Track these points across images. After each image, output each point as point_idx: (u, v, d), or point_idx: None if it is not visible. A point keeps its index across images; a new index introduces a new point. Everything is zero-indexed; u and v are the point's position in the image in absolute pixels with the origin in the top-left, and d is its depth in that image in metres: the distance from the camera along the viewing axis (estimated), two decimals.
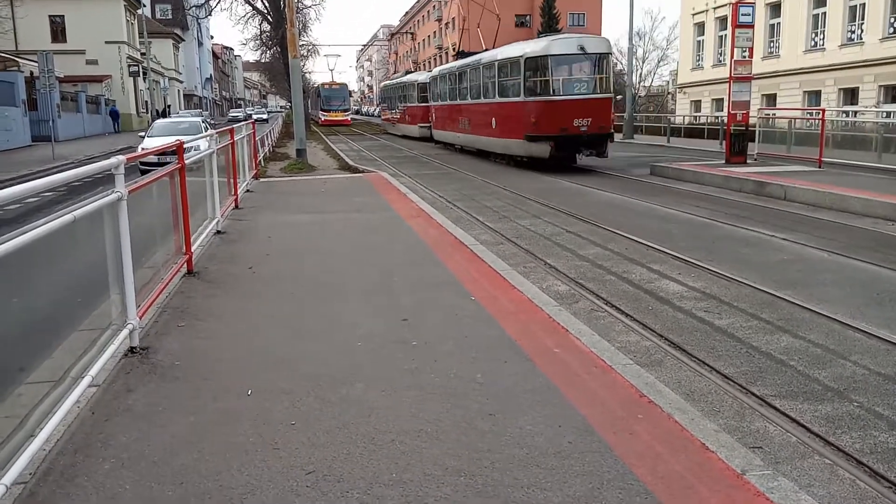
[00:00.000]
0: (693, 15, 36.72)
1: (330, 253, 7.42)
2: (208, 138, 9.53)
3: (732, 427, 3.71)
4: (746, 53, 15.81)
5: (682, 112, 38.05)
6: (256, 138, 16.99)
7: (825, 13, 27.60)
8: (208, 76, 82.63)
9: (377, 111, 69.15)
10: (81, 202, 3.68)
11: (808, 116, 21.15)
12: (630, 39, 31.88)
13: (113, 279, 4.24)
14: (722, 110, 28.58)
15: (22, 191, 2.83)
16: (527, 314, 5.08)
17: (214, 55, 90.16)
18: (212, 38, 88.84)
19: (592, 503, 2.68)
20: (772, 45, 30.99)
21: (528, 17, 63.03)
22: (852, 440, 3.59)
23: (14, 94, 28.86)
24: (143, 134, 19.63)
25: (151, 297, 4.98)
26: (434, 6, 73.93)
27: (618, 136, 32.04)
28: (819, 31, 28.30)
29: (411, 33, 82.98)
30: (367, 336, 4.63)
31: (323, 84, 58.69)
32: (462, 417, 3.41)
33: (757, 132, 17.43)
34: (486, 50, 22.52)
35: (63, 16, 42.56)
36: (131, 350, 4.28)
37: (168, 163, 6.06)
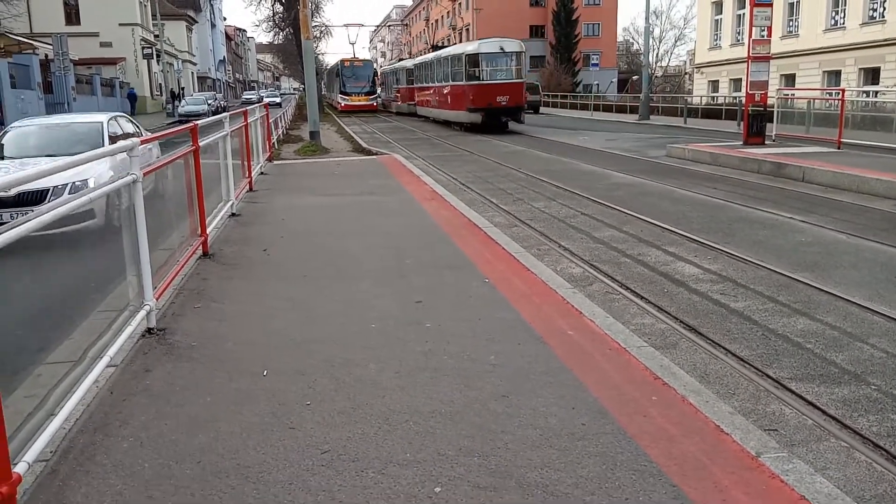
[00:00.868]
0: None
1: (344, 235, 7.43)
2: (115, 159, 6.12)
3: (748, 410, 3.70)
4: (765, 33, 15.56)
5: (699, 92, 37.61)
6: (270, 121, 16.99)
7: None
8: (221, 58, 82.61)
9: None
10: (98, 184, 3.70)
11: (828, 97, 20.83)
12: (647, 18, 31.47)
13: (129, 261, 4.27)
14: (740, 90, 28.20)
15: (38, 173, 2.85)
16: (541, 296, 5.07)
17: (227, 37, 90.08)
18: (224, 19, 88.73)
19: (605, 484, 2.69)
20: (791, 24, 30.48)
21: None
22: (869, 423, 3.57)
23: (30, 76, 29.00)
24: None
25: (168, 278, 5.02)
26: None
27: (633, 117, 31.82)
28: (839, 9, 27.80)
29: (425, 19, 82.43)
30: (381, 318, 4.64)
31: (343, 61, 46.32)
32: (475, 399, 3.42)
33: (775, 113, 17.20)
34: (446, 47, 36.16)
35: None
36: (148, 331, 4.33)
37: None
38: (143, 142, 4.20)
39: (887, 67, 25.49)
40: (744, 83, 16.89)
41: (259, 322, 4.65)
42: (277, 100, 56.08)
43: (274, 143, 17.86)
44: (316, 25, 50.59)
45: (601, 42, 62.10)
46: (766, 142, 16.08)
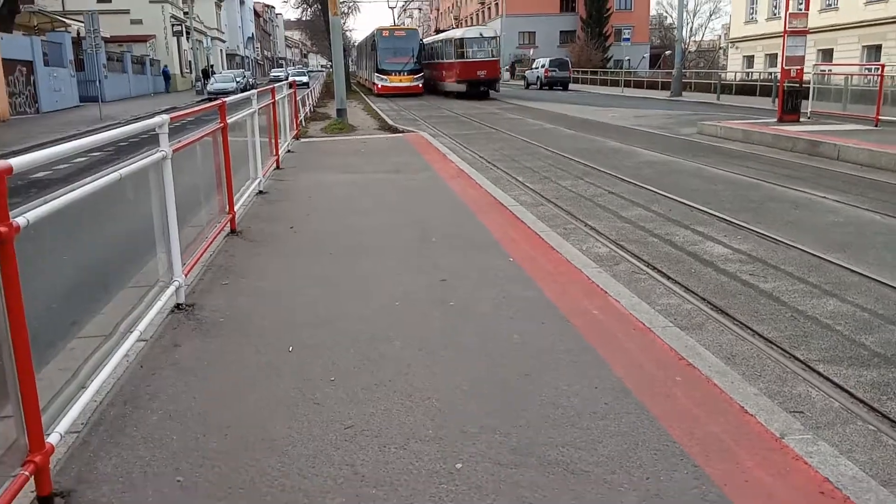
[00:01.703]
0: None
1: (369, 213, 7.46)
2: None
3: (773, 391, 3.66)
4: (803, 6, 15.16)
5: (733, 68, 36.83)
6: (297, 98, 17.03)
7: None
8: (250, 35, 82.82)
9: None
10: (128, 161, 3.76)
11: (867, 73, 20.23)
12: None
13: (159, 237, 4.34)
14: (775, 66, 27.53)
15: (69, 149, 2.89)
16: (566, 276, 5.05)
17: (256, 14, 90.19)
18: None
19: (626, 463, 2.69)
20: None
21: None
22: None
23: (62, 54, 29.41)
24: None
25: (196, 255, 5.09)
26: None
27: (665, 94, 31.26)
28: None
29: None
30: (406, 295, 4.67)
31: (380, 30, 38.01)
32: (498, 376, 3.43)
33: (811, 89, 16.77)
34: (445, 31, 45.38)
35: None
36: (177, 306, 4.40)
37: None
38: (172, 118, 4.24)
39: None
40: (779, 58, 16.48)
41: (285, 298, 4.70)
42: (305, 78, 45.81)
43: (301, 121, 17.92)
44: (344, 1, 50.45)
45: (633, 16, 60.90)
46: (802, 119, 15.71)
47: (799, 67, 15.27)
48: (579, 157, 12.30)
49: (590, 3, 57.70)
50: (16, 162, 2.27)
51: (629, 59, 52.38)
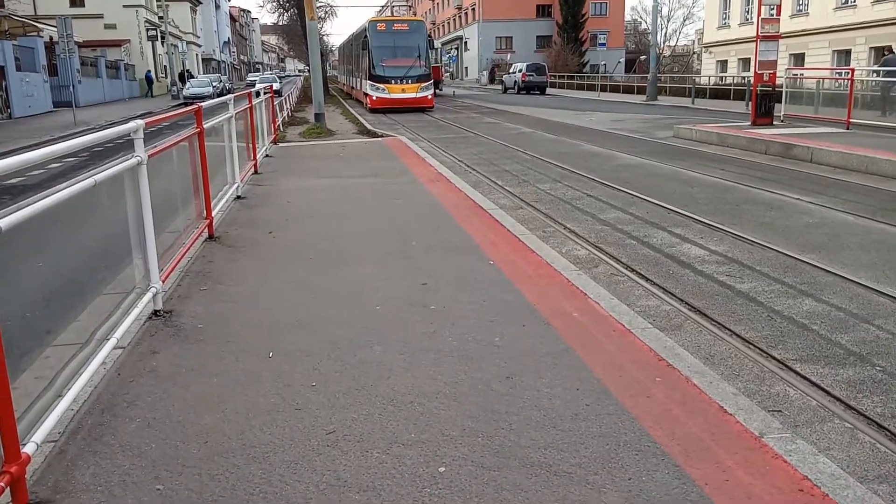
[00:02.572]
0: None
1: (349, 217, 7.43)
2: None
3: (752, 391, 3.70)
4: (774, 11, 15.39)
5: (707, 72, 37.31)
6: (274, 103, 16.94)
7: None
8: (226, 40, 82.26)
9: None
10: (103, 167, 3.71)
11: (837, 77, 20.60)
12: None
13: (135, 243, 4.29)
14: (748, 70, 27.95)
15: (43, 155, 2.85)
16: (546, 278, 5.07)
17: (232, 18, 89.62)
18: (229, 0, 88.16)
19: (609, 464, 2.70)
20: (801, 2, 30.13)
21: None
22: (873, 404, 3.57)
23: (35, 59, 28.96)
24: None
25: (174, 261, 5.04)
26: None
27: (640, 98, 31.57)
28: None
29: None
30: (386, 300, 4.65)
31: (375, 23, 28.53)
32: (480, 380, 3.43)
33: (784, 93, 17.05)
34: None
35: None
36: (155, 313, 4.35)
37: None
38: (148, 123, 4.20)
39: None
40: (752, 62, 16.73)
41: (265, 304, 4.67)
42: (276, 85, 38.06)
43: (279, 126, 17.82)
44: (321, 6, 50.22)
45: (609, 21, 61.52)
46: (775, 122, 15.95)
47: (772, 71, 15.51)
48: (558, 161, 12.37)
49: (565, 8, 58.18)
50: None
51: (605, 64, 52.89)
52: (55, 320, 3.73)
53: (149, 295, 4.23)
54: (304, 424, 3.04)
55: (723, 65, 36.61)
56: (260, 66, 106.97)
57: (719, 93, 28.97)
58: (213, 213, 6.59)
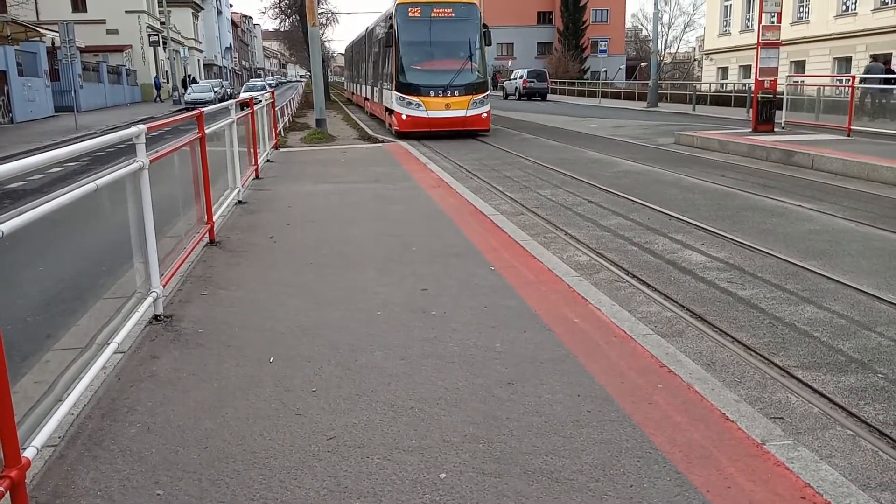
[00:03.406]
0: None
1: (350, 222, 7.43)
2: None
3: (753, 398, 3.69)
4: (775, 19, 15.43)
5: (708, 79, 37.37)
6: (276, 108, 16.98)
7: None
8: (228, 45, 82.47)
9: None
10: (104, 171, 3.71)
11: (838, 84, 20.63)
12: (655, 4, 31.23)
13: (136, 248, 4.29)
14: (749, 77, 28.00)
15: (45, 160, 2.85)
16: (547, 284, 5.07)
17: (234, 24, 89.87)
18: (231, 6, 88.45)
19: (610, 471, 2.69)
20: (801, 10, 30.19)
21: None
22: (875, 411, 3.55)
23: (37, 64, 29.05)
24: None
25: (174, 265, 5.04)
26: None
27: (641, 104, 31.62)
28: None
29: None
30: (387, 305, 4.65)
31: (407, 6, 18.40)
32: (481, 386, 3.42)
33: (785, 100, 17.06)
34: None
35: None
36: (156, 318, 4.35)
37: None
38: (149, 129, 4.20)
39: None
40: (753, 70, 16.75)
41: (266, 309, 4.66)
42: (266, 94, 15.84)
43: (280, 131, 17.85)
44: (322, 12, 50.34)
45: (610, 28, 61.62)
46: (776, 129, 15.96)
47: (772, 79, 15.53)
48: (559, 167, 12.37)
49: (566, 15, 58.33)
50: None
51: (606, 71, 52.95)
52: (56, 324, 3.72)
53: (149, 299, 4.23)
54: (305, 430, 3.03)
55: (724, 72, 36.68)
56: (261, 72, 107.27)
57: (720, 100, 29.01)
58: (214, 218, 6.59)
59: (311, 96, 24.23)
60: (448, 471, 2.71)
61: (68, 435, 2.99)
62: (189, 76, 52.56)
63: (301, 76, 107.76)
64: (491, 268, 5.49)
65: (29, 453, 2.47)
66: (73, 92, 25.56)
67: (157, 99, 43.41)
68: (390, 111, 19.31)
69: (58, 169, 12.39)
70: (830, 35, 28.07)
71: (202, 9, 64.64)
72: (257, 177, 10.60)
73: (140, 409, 3.24)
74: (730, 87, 32.01)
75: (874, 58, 19.10)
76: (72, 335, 3.91)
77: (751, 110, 18.20)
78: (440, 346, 3.93)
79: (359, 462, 2.78)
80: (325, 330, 4.23)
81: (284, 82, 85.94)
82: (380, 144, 16.14)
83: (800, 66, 29.63)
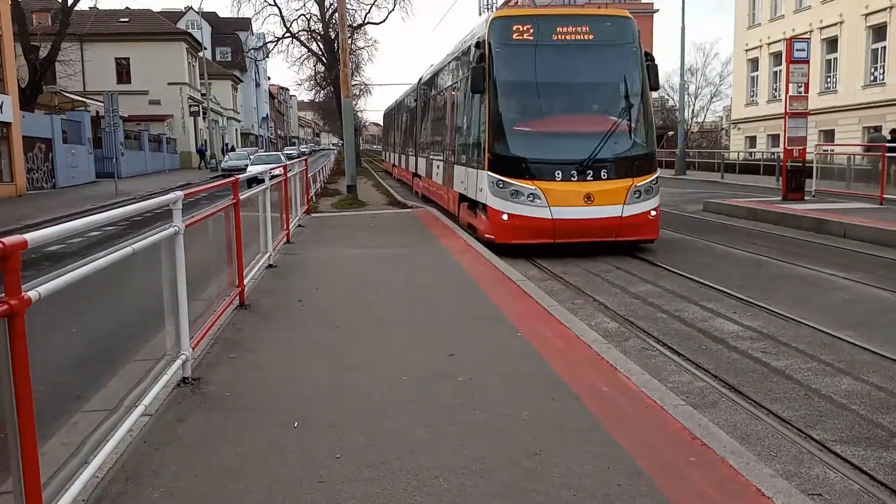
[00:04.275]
0: (746, 51, 36.35)
1: (378, 287, 7.48)
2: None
3: (790, 473, 3.56)
4: (802, 89, 15.53)
5: (736, 148, 37.44)
6: (309, 175, 17.38)
7: (885, 47, 26.96)
8: (265, 115, 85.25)
9: None
10: (140, 235, 3.82)
11: (868, 153, 20.53)
12: (682, 76, 31.71)
13: (168, 311, 4.35)
14: (778, 146, 28.03)
15: (83, 224, 2.95)
16: (574, 351, 5.00)
17: (271, 95, 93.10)
18: (269, 78, 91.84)
19: None
20: (829, 80, 30.38)
21: None
22: None
23: (81, 132, 30.27)
24: None
25: (204, 328, 5.09)
26: None
27: (669, 172, 31.72)
28: (879, 65, 27.63)
29: None
30: (413, 370, 4.62)
31: (509, 22, 10.46)
32: (507, 455, 3.35)
33: (815, 168, 16.99)
34: None
35: (128, 58, 44.57)
36: (184, 380, 4.37)
37: None
38: (186, 195, 4.34)
39: None
40: (782, 139, 16.79)
41: (292, 373, 4.66)
42: (275, 172, 9.64)
43: (312, 197, 18.21)
44: (355, 84, 52.02)
45: None
46: (806, 197, 15.85)
47: (801, 147, 15.52)
48: None
49: None
50: (30, 237, 2.31)
51: None
52: (85, 386, 3.76)
53: (178, 362, 4.26)
54: (327, 498, 2.98)
55: (751, 140, 36.77)
56: (296, 140, 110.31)
57: (748, 168, 28.99)
58: (245, 281, 6.68)
59: (342, 164, 24.81)
60: None
61: (92, 498, 2.98)
62: (227, 144, 54.25)
63: (334, 144, 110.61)
64: (518, 334, 5.45)
65: None
66: (114, 159, 26.50)
67: (203, 165, 44.89)
68: (473, 204, 11.54)
69: (96, 232, 12.73)
70: (859, 105, 28.11)
71: (241, 81, 67.23)
72: (288, 241, 10.77)
73: (164, 473, 3.22)
74: (758, 156, 32.02)
75: (876, 129, 19.11)
76: (100, 397, 3.95)
77: (780, 178, 18.14)
78: (466, 414, 3.87)
79: None
80: (351, 395, 4.21)
81: (318, 150, 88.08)
82: (409, 210, 16.34)
83: (829, 135, 29.60)
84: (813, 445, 3.90)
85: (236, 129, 65.66)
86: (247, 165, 36.06)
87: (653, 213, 10.22)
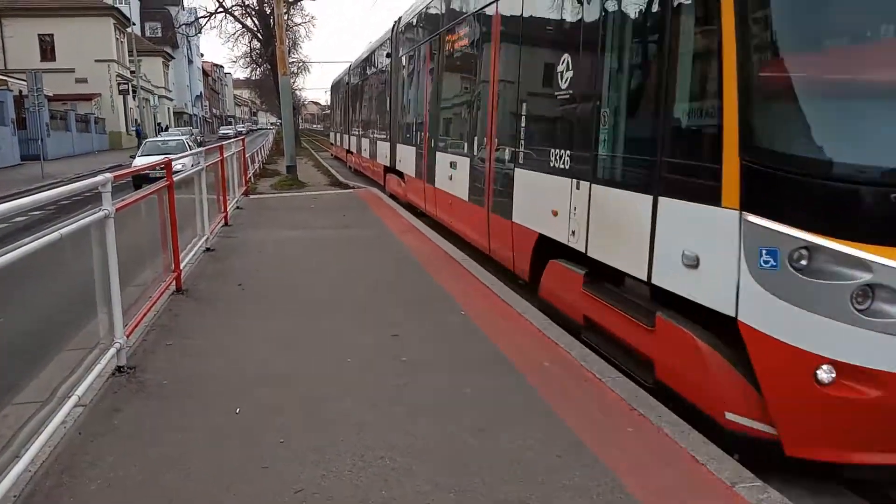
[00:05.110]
0: None
1: (320, 269, 7.40)
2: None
3: None
4: None
5: None
6: (246, 155, 17.00)
7: None
8: (198, 94, 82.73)
9: None
10: (69, 220, 3.67)
11: None
12: None
13: (100, 298, 4.21)
14: None
15: (8, 209, 2.82)
16: (517, 329, 5.08)
17: (205, 73, 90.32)
18: (202, 55, 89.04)
19: None
20: None
21: None
22: None
23: (4, 113, 28.77)
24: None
25: (139, 315, 4.95)
26: None
27: None
28: None
29: None
30: (357, 352, 4.61)
31: None
32: (452, 433, 3.39)
33: None
34: None
35: (52, 34, 42.46)
36: (118, 369, 4.25)
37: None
38: (116, 177, 4.18)
39: None
40: None
41: (232, 358, 4.58)
42: (186, 161, 10.49)
43: (250, 178, 17.83)
44: (293, 62, 50.84)
45: None
46: None
47: None
48: None
49: None
50: None
51: None
52: (16, 377, 3.62)
53: (112, 350, 4.13)
54: (272, 483, 2.96)
55: None
56: (232, 120, 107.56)
57: None
58: (182, 266, 6.51)
59: (281, 143, 24.35)
60: None
61: (24, 493, 2.88)
62: (159, 124, 52.48)
63: (272, 123, 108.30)
64: (461, 312, 5.49)
65: None
66: (40, 140, 25.30)
67: (139, 146, 43.45)
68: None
69: (22, 218, 12.18)
70: None
71: (173, 58, 64.96)
72: (227, 223, 10.53)
73: (101, 465, 3.14)
74: None
75: None
76: (31, 388, 3.80)
77: None
78: (411, 393, 3.89)
79: None
80: (294, 379, 4.17)
81: (255, 129, 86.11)
82: (350, 190, 16.18)
83: None
84: None
85: (169, 108, 63.52)
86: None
87: None
